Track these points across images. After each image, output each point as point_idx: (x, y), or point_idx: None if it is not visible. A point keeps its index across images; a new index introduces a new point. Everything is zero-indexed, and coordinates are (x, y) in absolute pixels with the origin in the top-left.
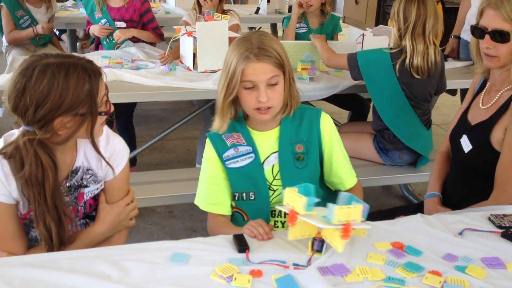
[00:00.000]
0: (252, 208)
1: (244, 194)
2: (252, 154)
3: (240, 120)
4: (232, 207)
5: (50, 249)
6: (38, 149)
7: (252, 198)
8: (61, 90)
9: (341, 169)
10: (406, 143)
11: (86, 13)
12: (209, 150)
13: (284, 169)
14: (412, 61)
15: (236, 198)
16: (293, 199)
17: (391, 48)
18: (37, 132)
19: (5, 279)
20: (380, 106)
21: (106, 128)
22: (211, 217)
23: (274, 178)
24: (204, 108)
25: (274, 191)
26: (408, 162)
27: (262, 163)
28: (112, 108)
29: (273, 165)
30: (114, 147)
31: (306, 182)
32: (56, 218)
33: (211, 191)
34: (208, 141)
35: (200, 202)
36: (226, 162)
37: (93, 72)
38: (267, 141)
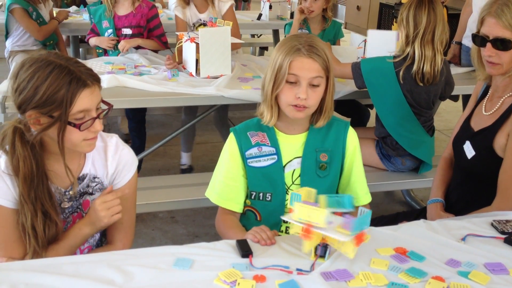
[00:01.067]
0: (267, 209)
1: (261, 194)
2: (275, 156)
3: None
4: (246, 205)
5: (36, 248)
6: (17, 138)
7: (269, 199)
8: (37, 84)
9: (358, 185)
10: (409, 151)
11: (93, 21)
12: (231, 145)
13: (305, 175)
14: (420, 68)
15: (252, 197)
16: (309, 213)
17: (394, 57)
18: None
19: (10, 283)
20: (383, 114)
21: (117, 138)
22: (221, 212)
23: (293, 183)
24: (205, 115)
25: None
26: (411, 168)
27: (284, 166)
28: (100, 128)
29: (294, 170)
30: (122, 157)
31: (324, 192)
32: (41, 216)
33: (227, 186)
34: (232, 136)
35: (213, 195)
36: (248, 160)
37: (76, 81)
38: (292, 145)
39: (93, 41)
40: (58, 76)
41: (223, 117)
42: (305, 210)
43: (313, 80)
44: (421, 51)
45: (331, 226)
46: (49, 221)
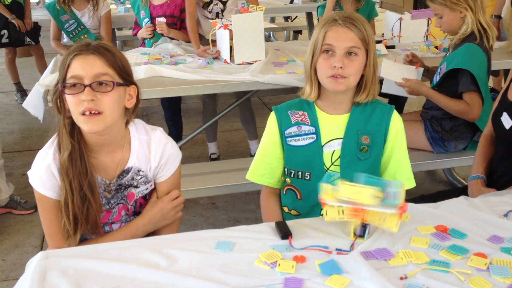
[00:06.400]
0: (306, 188)
1: (299, 173)
2: (314, 135)
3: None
4: (286, 183)
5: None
6: (65, 130)
7: (308, 178)
8: (59, 64)
9: (398, 170)
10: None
11: (134, 14)
12: (272, 123)
13: (346, 157)
14: (491, 35)
15: (292, 175)
16: (354, 191)
17: (471, 39)
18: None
19: (60, 269)
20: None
21: (161, 131)
22: (263, 189)
23: (332, 164)
24: (241, 101)
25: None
26: (459, 150)
27: (322, 146)
28: (87, 97)
29: (334, 151)
30: (165, 151)
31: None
32: (81, 206)
33: (260, 162)
34: (273, 114)
35: (249, 173)
36: (287, 139)
37: (73, 49)
38: (333, 125)
39: (139, 34)
40: (70, 52)
41: (247, 111)
42: (350, 189)
43: (349, 49)
44: (485, 19)
45: (376, 201)
46: (89, 209)
